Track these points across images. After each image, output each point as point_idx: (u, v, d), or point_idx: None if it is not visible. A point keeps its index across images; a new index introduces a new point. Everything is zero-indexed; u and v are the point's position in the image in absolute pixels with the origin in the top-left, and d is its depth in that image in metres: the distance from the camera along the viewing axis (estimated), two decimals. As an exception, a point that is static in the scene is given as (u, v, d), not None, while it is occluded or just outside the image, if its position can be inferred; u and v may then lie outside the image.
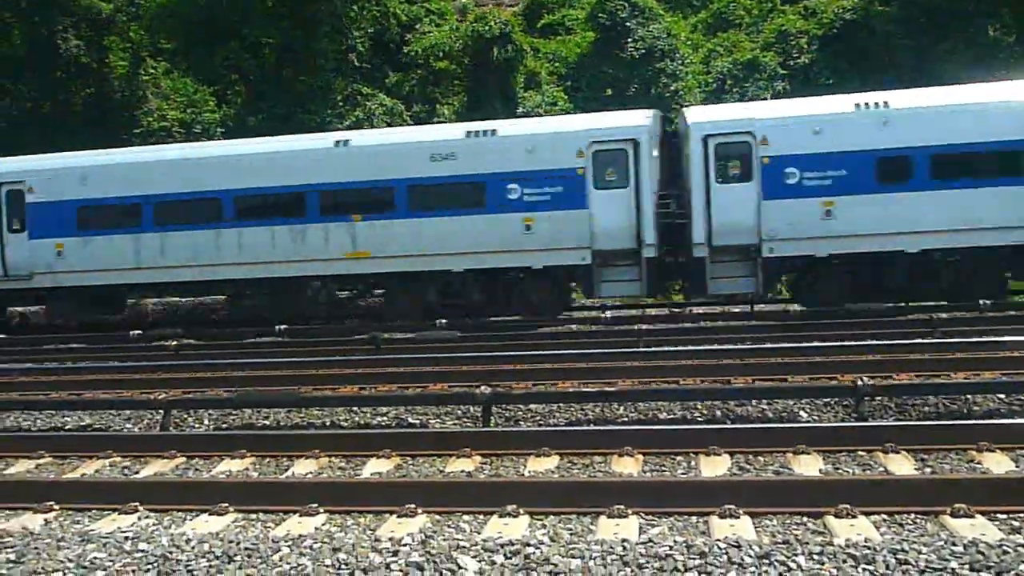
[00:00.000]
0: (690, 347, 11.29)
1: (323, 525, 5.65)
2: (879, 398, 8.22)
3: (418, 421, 8.89)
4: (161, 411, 9.28)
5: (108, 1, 28.58)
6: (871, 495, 5.38)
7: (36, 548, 4.94)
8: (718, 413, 8.39)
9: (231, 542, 4.88)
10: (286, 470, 7.26)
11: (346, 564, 4.49)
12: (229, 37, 27.05)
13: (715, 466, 6.58)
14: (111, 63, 29.26)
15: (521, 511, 5.49)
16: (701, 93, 27.13)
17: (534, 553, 4.50)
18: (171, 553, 4.75)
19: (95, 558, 4.74)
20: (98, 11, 28.29)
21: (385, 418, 9.04)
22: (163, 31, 29.79)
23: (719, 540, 4.58)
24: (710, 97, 26.27)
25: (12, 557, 4.82)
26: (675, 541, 4.56)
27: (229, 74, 29.20)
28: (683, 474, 6.56)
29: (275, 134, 20.80)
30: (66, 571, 4.61)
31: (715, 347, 11.22)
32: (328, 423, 9.05)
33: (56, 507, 6.24)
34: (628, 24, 27.91)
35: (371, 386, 9.88)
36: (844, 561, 4.27)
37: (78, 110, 28.48)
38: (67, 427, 9.67)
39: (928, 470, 6.35)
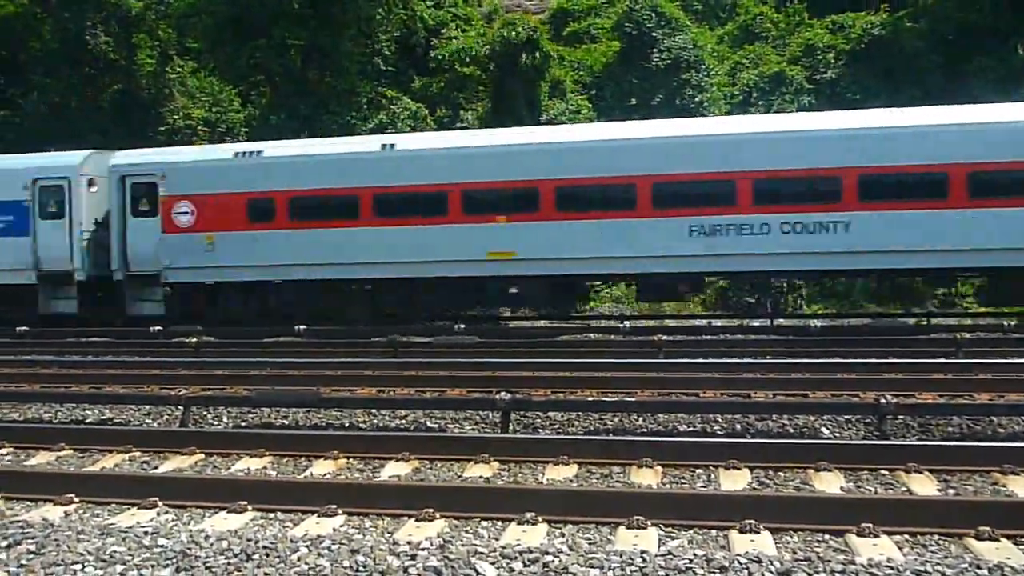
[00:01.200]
0: (711, 360, 11.24)
1: (341, 526, 5.64)
2: (901, 417, 8.14)
3: (436, 425, 8.89)
4: (181, 407, 9.32)
5: (138, -1, 28.91)
6: (894, 514, 5.32)
7: (56, 540, 4.96)
8: (738, 427, 8.34)
9: (249, 540, 4.88)
10: (304, 470, 7.27)
11: (364, 566, 4.47)
12: (256, 37, 27.24)
13: (735, 480, 6.53)
14: (139, 60, 29.52)
15: (540, 519, 5.47)
16: (726, 105, 27.07)
17: (552, 562, 4.48)
18: (190, 549, 4.75)
19: (114, 552, 4.75)
20: (128, 8, 28.55)
21: (403, 421, 9.05)
22: (191, 30, 30.04)
23: (739, 555, 4.54)
24: (735, 109, 26.20)
25: (33, 548, 4.84)
26: (695, 554, 4.52)
27: (254, 74, 29.40)
28: (703, 487, 6.52)
29: (297, 135, 20.90)
30: (86, 564, 4.62)
31: (736, 360, 11.17)
32: (346, 424, 9.06)
33: (76, 499, 6.27)
34: (654, 34, 27.90)
35: (389, 389, 9.89)
36: (866, 581, 4.22)
37: (105, 106, 28.73)
38: (88, 420, 9.74)
39: (951, 491, 6.28)
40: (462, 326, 15.61)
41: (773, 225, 15.34)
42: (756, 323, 17.34)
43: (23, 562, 4.65)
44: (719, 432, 8.30)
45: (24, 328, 16.79)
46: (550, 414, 8.82)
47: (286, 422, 9.31)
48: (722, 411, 8.46)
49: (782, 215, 15.32)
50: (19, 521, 5.44)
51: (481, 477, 6.85)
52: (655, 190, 15.68)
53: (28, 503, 6.35)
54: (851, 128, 15.55)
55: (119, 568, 4.55)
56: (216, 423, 9.49)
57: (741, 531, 5.20)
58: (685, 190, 15.66)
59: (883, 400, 7.81)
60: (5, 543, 4.92)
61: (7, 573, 4.51)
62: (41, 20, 29.49)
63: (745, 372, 10.16)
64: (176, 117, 28.23)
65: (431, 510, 5.62)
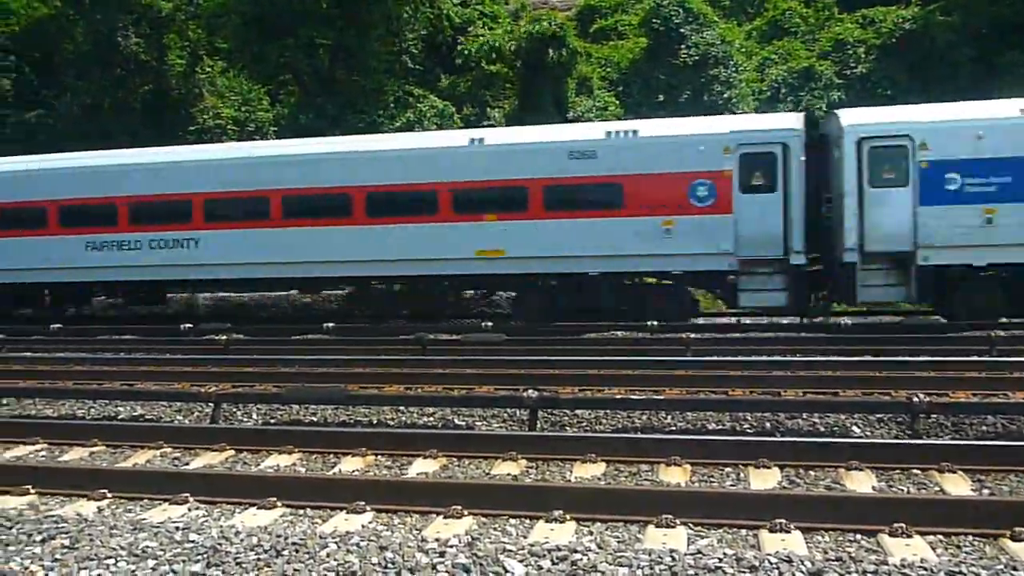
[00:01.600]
0: (739, 358, 11.15)
1: (370, 523, 5.67)
2: (934, 416, 8.03)
3: (464, 423, 8.90)
4: (211, 404, 9.41)
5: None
6: (927, 514, 5.25)
7: (90, 535, 5.03)
8: (767, 425, 8.27)
9: (279, 536, 4.91)
10: (333, 467, 7.31)
11: (392, 563, 4.49)
12: (284, 37, 27.42)
13: (765, 479, 6.48)
14: (169, 60, 29.82)
15: (568, 517, 5.46)
16: (755, 101, 26.84)
17: (581, 560, 4.46)
18: (221, 545, 4.79)
19: (147, 546, 4.81)
20: (158, 9, 28.87)
21: (431, 419, 9.07)
22: (220, 30, 30.29)
23: (770, 554, 4.50)
24: (763, 106, 25.98)
25: (67, 543, 4.91)
26: (724, 554, 4.49)
27: (283, 73, 29.59)
28: (732, 486, 6.47)
29: (325, 134, 21.04)
30: (118, 558, 4.68)
31: (765, 358, 11.07)
32: (374, 422, 9.10)
33: (109, 495, 6.35)
34: (682, 30, 27.74)
35: (417, 386, 9.92)
36: (900, 581, 4.17)
37: (136, 107, 29.06)
38: (120, 416, 9.86)
39: (986, 491, 6.19)
40: (490, 324, 15.62)
41: (144, 242, 18.30)
42: (785, 321, 17.18)
43: (57, 556, 4.72)
44: (748, 430, 8.24)
45: (58, 326, 17.03)
46: (578, 412, 8.80)
47: (315, 419, 9.36)
48: (751, 409, 8.39)
49: (151, 234, 18.28)
50: (53, 516, 5.52)
51: (509, 475, 6.85)
52: (60, 211, 18.86)
53: (62, 498, 6.44)
54: (200, 160, 18.56)
55: (151, 563, 4.60)
56: (246, 420, 9.57)
57: (771, 530, 5.15)
58: (82, 211, 18.69)
59: (916, 399, 7.71)
60: (40, 537, 5.00)
61: (42, 567, 4.58)
62: (74, 22, 29.88)
63: (775, 370, 10.08)
64: (206, 117, 28.50)
65: (459, 507, 5.63)
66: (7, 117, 29.39)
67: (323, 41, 27.67)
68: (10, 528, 5.18)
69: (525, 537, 5.26)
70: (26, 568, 4.56)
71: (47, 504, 6.35)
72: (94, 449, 8.13)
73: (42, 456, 8.10)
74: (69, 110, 28.82)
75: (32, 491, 6.51)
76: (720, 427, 8.37)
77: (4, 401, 10.55)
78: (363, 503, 5.82)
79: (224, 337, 14.83)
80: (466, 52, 28.86)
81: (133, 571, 4.51)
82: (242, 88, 29.42)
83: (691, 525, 5.37)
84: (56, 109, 29.29)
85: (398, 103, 28.12)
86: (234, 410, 9.72)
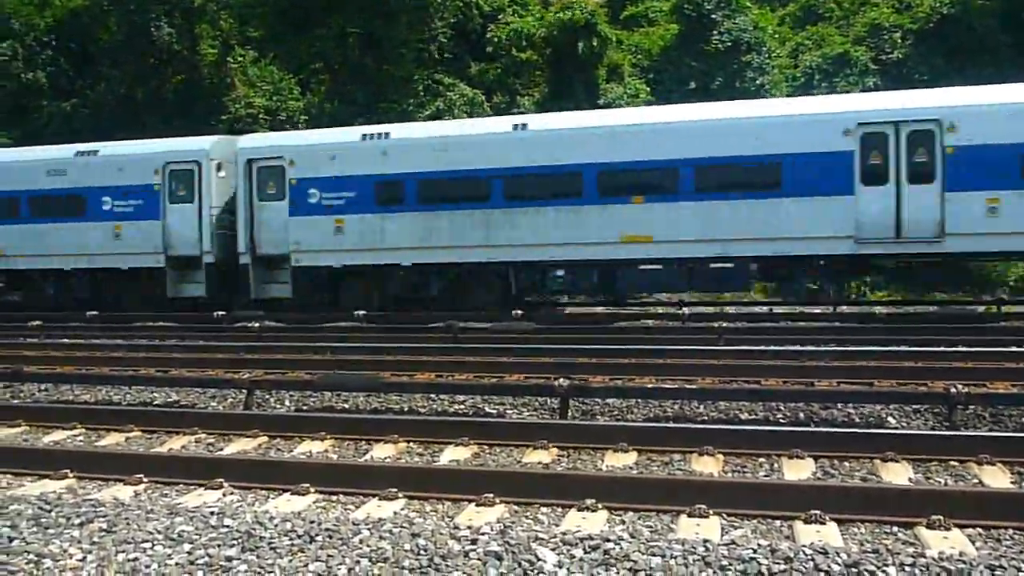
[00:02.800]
0: (773, 347, 11.05)
1: (402, 510, 5.68)
2: (972, 407, 7.91)
3: (495, 411, 8.90)
4: (244, 391, 9.49)
5: (200, -11, 29.44)
6: (966, 507, 5.16)
7: (127, 519, 5.09)
8: (801, 415, 8.19)
9: (312, 522, 4.94)
10: (365, 453, 7.35)
11: (425, 550, 4.49)
12: (315, 26, 27.49)
13: (799, 470, 6.41)
14: (201, 51, 30.04)
15: (600, 506, 5.43)
16: (788, 87, 26.52)
17: (614, 549, 4.44)
18: (255, 530, 4.83)
19: (182, 531, 4.85)
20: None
21: (462, 406, 9.09)
22: (252, 20, 30.46)
23: (805, 546, 4.45)
24: (797, 91, 25.66)
25: (104, 526, 4.98)
26: (759, 544, 4.45)
27: (314, 62, 29.69)
28: (766, 476, 6.41)
29: (355, 123, 21.09)
30: (155, 542, 4.72)
31: (798, 348, 10.96)
32: (406, 409, 9.13)
33: (145, 480, 6.43)
34: (714, 16, 27.46)
35: (448, 374, 9.94)
36: (938, 574, 4.10)
37: (168, 96, 29.32)
38: (155, 402, 9.98)
39: (1026, 484, 6.08)
40: (519, 312, 15.61)
41: None
42: (818, 310, 17.01)
43: (95, 539, 4.78)
44: (782, 420, 8.17)
45: (94, 313, 17.28)
46: (609, 401, 8.76)
47: (347, 406, 9.42)
48: (784, 399, 8.30)
49: None
50: (91, 500, 5.60)
51: (540, 463, 6.84)
52: None
53: (99, 482, 6.52)
54: None
55: (187, 547, 4.64)
56: (278, 406, 9.64)
57: (807, 521, 5.10)
58: None
59: (954, 389, 7.58)
60: (78, 521, 5.07)
61: (80, 549, 4.64)
62: (108, 13, 30.20)
63: (808, 360, 9.98)
64: (238, 106, 28.67)
65: (491, 495, 5.62)
66: (43, 107, 29.81)
67: (353, 30, 27.72)
68: (49, 511, 5.27)
69: (557, 525, 5.25)
70: (64, 550, 4.63)
71: (85, 488, 6.43)
72: (130, 434, 8.23)
73: (80, 441, 8.23)
74: (104, 100, 29.15)
75: (70, 475, 6.60)
76: (753, 417, 8.30)
77: (43, 387, 10.73)
78: (395, 490, 5.83)
79: (257, 324, 14.97)
80: (496, 39, 28.76)
81: (169, 555, 4.56)
82: (273, 77, 29.56)
83: (724, 515, 5.32)
84: (91, 99, 29.66)
85: (428, 91, 28.11)
86: (267, 397, 9.81)
